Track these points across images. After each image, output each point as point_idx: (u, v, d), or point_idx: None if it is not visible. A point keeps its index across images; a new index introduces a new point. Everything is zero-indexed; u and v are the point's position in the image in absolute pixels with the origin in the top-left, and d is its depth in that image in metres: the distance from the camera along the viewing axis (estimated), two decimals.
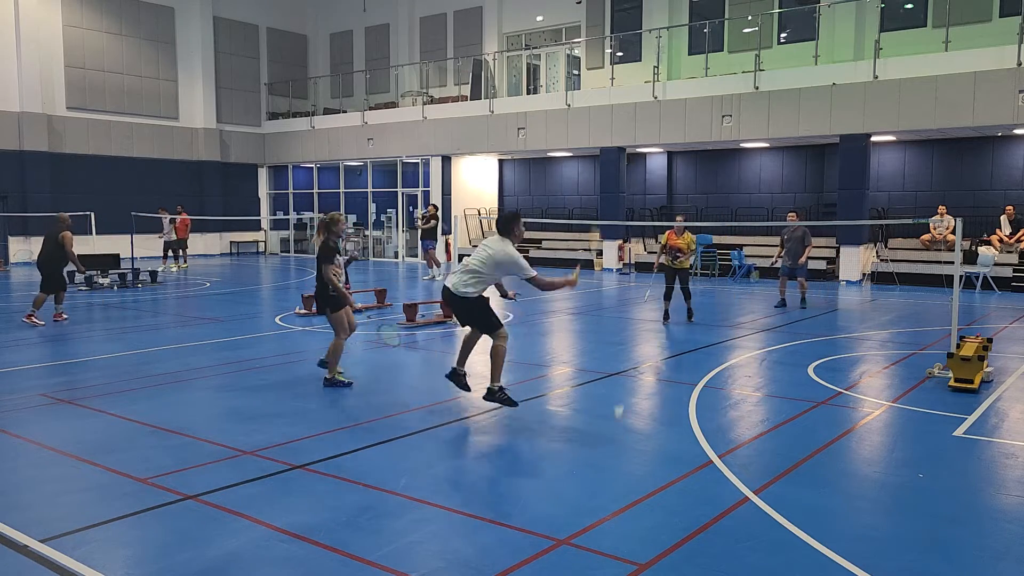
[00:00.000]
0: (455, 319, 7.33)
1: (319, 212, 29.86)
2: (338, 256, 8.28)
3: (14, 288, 16.79)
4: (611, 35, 24.82)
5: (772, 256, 21.20)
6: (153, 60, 28.20)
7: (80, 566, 4.10)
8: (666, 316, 12.92)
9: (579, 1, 25.53)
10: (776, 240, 21.77)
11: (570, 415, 7.36)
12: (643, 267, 23.11)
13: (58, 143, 25.78)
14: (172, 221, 23.23)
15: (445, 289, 6.99)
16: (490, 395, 6.99)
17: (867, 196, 19.57)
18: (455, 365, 7.30)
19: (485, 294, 6.98)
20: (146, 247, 24.52)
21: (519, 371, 9.15)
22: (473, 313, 6.96)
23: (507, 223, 7.02)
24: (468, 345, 7.29)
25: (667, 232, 13.05)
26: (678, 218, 13.26)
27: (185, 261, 24.06)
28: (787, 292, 14.93)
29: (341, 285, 8.21)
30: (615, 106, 22.53)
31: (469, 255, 7.08)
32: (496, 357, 6.91)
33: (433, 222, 20.45)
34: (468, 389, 7.34)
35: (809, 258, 14.82)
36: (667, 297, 12.98)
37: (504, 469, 5.82)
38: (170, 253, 23.57)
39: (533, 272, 6.78)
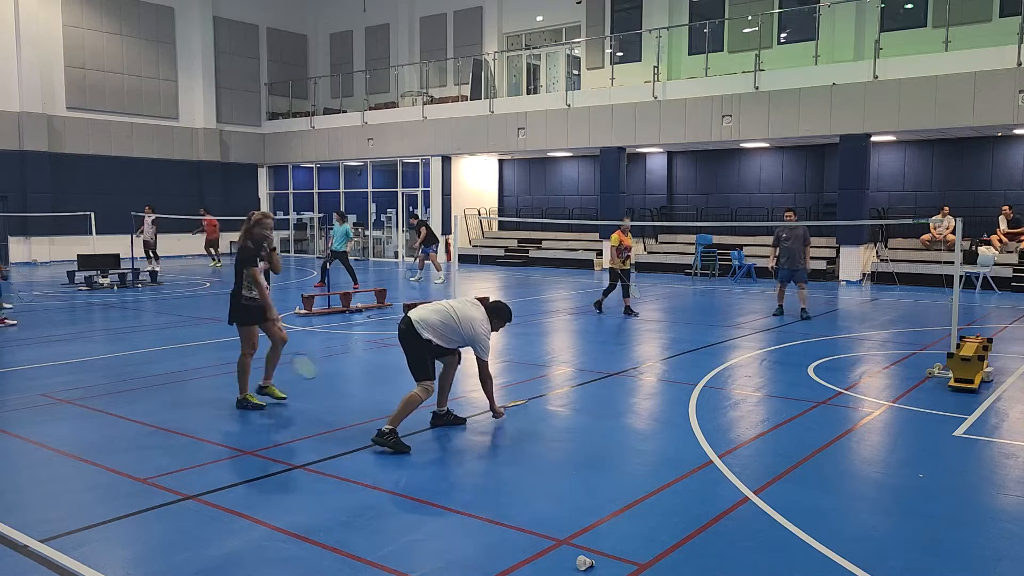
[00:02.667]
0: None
1: (319, 212, 29.88)
2: (260, 261, 7.33)
3: (15, 288, 16.78)
4: (611, 35, 24.82)
5: (769, 256, 21.41)
6: (153, 60, 28.20)
7: (80, 566, 4.10)
8: (599, 307, 14.02)
9: (579, 1, 25.52)
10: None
11: (570, 415, 7.36)
12: (643, 267, 23.11)
13: (58, 143, 25.79)
14: (154, 222, 22.59)
15: (407, 320, 6.27)
16: (379, 436, 6.02)
17: (867, 196, 19.57)
18: (435, 408, 6.75)
19: (439, 342, 6.25)
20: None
21: (519, 371, 9.15)
22: (412, 349, 6.22)
23: (498, 314, 6.51)
24: (443, 383, 6.70)
25: (617, 233, 13.62)
26: (626, 219, 14.16)
27: (218, 260, 24.60)
28: (785, 299, 13.96)
29: (265, 292, 7.38)
30: (615, 106, 22.53)
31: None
32: (407, 405, 6.09)
33: (423, 230, 19.91)
34: (462, 421, 6.80)
35: (812, 258, 13.81)
36: (608, 293, 13.98)
37: (504, 469, 5.81)
38: (151, 253, 22.75)
39: (486, 357, 6.36)
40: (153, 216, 22.56)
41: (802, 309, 13.47)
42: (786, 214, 13.73)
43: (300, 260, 28.29)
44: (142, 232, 22.23)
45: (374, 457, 5.95)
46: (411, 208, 22.82)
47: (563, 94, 23.85)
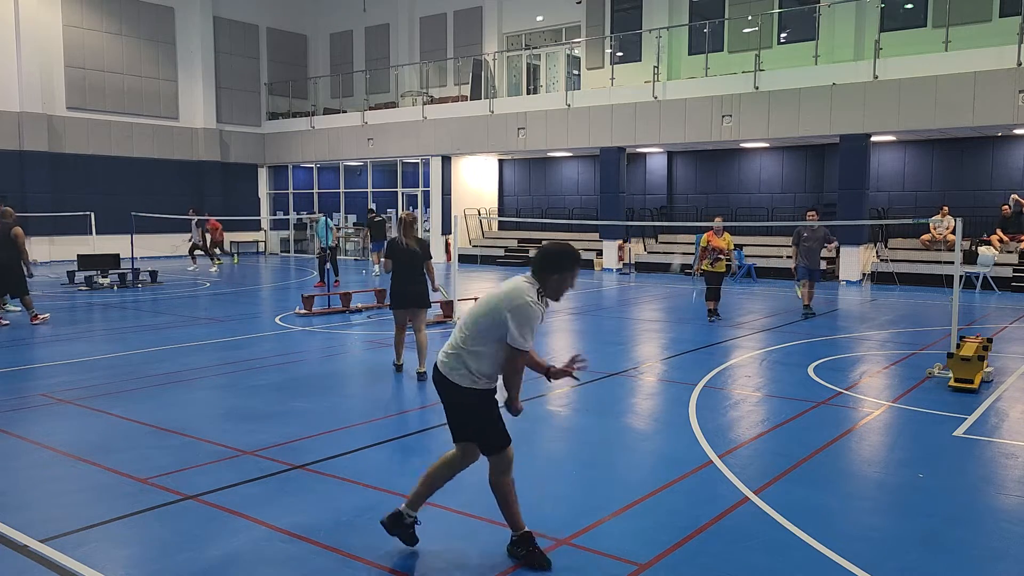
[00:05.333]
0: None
1: (319, 212, 29.86)
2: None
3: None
4: (611, 35, 24.82)
5: (771, 256, 21.49)
6: (153, 60, 28.20)
7: (80, 566, 4.10)
8: (713, 313, 13.02)
9: (579, 1, 25.52)
10: (779, 240, 22.02)
11: (570, 415, 7.36)
12: (643, 267, 23.11)
13: (58, 143, 25.78)
14: (198, 224, 23.24)
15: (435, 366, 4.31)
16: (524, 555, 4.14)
17: (867, 196, 19.57)
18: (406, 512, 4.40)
19: (487, 386, 4.19)
20: (146, 247, 24.54)
21: None
22: (464, 415, 4.24)
23: (556, 260, 4.14)
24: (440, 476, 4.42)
25: (706, 234, 12.99)
26: (717, 219, 13.22)
27: (221, 259, 24.66)
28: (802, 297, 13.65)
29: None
30: (615, 106, 22.53)
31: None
32: (502, 501, 4.25)
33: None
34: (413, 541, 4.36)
35: (822, 258, 13.25)
36: (713, 298, 13.01)
37: None
38: (197, 253, 23.60)
39: (527, 346, 4.06)
40: (196, 218, 23.18)
41: (805, 306, 13.40)
42: (808, 213, 13.41)
43: (300, 260, 28.30)
44: (193, 236, 23.31)
45: (374, 457, 5.95)
46: (374, 209, 24.11)
47: (563, 94, 23.84)
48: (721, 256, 12.84)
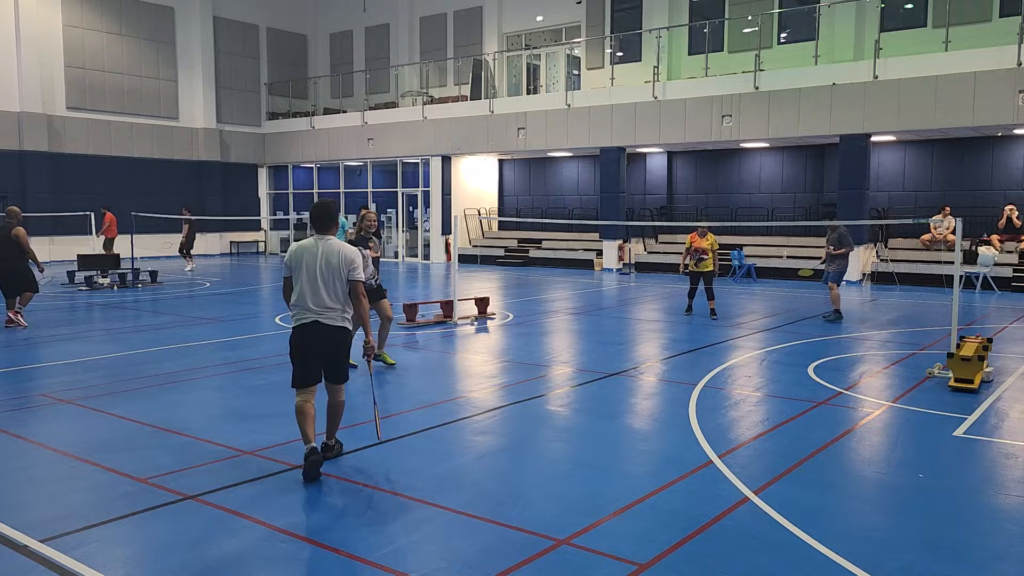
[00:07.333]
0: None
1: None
2: (362, 249, 8.53)
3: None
4: (611, 35, 24.82)
5: (772, 256, 21.51)
6: (153, 60, 28.20)
7: (80, 566, 4.10)
8: (689, 309, 13.79)
9: (579, 1, 25.53)
10: (780, 240, 22.08)
11: (570, 415, 7.35)
12: (643, 267, 23.11)
13: (58, 143, 25.78)
14: (187, 222, 22.90)
15: (314, 325, 5.49)
16: (328, 451, 5.76)
17: (867, 196, 19.57)
18: (311, 446, 5.46)
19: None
20: (146, 247, 24.54)
21: (519, 371, 9.15)
22: (342, 351, 5.66)
23: (333, 217, 5.69)
24: (310, 413, 5.58)
25: (691, 235, 13.44)
26: (702, 221, 13.78)
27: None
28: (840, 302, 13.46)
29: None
30: (615, 106, 22.53)
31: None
32: (340, 415, 5.78)
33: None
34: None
35: (834, 257, 12.98)
36: (691, 296, 13.78)
37: (504, 469, 5.81)
38: (184, 252, 23.36)
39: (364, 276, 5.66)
40: (187, 216, 22.74)
41: (834, 311, 13.16)
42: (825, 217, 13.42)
43: None
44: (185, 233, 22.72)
45: (374, 457, 5.95)
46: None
47: (563, 94, 23.84)
48: (704, 256, 13.21)
